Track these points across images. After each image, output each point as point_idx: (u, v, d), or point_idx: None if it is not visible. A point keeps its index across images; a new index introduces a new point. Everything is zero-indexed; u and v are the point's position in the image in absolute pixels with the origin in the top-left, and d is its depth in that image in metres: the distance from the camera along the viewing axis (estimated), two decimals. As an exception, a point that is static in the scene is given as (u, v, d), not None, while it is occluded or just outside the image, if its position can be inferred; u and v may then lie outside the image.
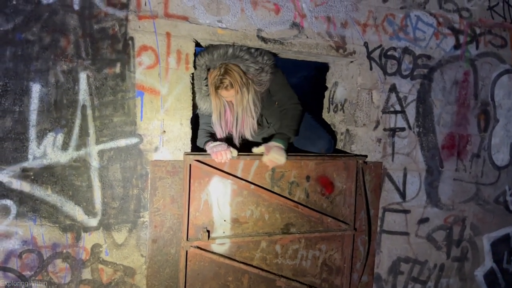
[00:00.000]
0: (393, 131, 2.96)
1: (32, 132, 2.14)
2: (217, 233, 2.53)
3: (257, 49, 2.53)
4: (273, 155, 2.43)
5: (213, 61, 2.43)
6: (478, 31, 3.14)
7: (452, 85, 3.10)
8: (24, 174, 2.14)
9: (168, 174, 2.41)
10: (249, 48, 2.48)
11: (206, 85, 2.47)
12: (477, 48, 3.15)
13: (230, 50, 2.41)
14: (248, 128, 2.57)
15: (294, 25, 2.60)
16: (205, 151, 2.47)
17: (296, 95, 2.72)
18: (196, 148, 2.58)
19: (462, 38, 3.09)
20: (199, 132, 2.65)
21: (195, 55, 2.44)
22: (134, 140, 2.34)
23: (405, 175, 3.03)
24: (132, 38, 2.27)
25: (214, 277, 2.54)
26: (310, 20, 2.64)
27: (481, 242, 3.38)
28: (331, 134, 3.06)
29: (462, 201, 3.25)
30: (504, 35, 3.24)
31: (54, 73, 2.15)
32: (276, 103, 2.72)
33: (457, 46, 3.08)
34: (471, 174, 3.26)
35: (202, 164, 2.42)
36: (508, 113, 3.33)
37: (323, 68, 3.33)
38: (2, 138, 2.09)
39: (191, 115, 2.46)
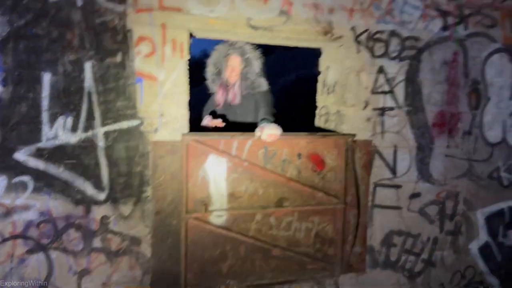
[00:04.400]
0: (382, 111, 3.11)
1: (45, 116, 2.41)
2: (215, 206, 2.77)
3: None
4: (269, 128, 2.70)
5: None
6: (466, 12, 3.23)
7: (442, 65, 3.21)
8: (39, 154, 2.42)
9: (167, 153, 2.66)
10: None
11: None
12: (466, 28, 3.24)
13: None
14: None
15: (282, 12, 2.78)
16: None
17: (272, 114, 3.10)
18: (193, 129, 2.81)
19: (450, 20, 3.19)
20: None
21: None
22: (135, 122, 2.58)
23: (395, 152, 3.18)
24: (130, 30, 2.51)
25: (213, 246, 2.78)
26: (298, 7, 2.81)
27: (475, 216, 3.49)
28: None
29: (454, 177, 3.37)
30: (494, 15, 3.31)
31: (62, 63, 2.41)
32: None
33: (445, 27, 3.18)
34: (463, 151, 3.37)
35: (199, 144, 2.65)
36: (500, 91, 3.41)
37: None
38: (19, 121, 2.37)
39: (188, 99, 2.68)
